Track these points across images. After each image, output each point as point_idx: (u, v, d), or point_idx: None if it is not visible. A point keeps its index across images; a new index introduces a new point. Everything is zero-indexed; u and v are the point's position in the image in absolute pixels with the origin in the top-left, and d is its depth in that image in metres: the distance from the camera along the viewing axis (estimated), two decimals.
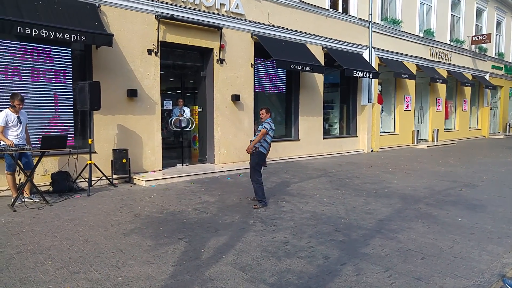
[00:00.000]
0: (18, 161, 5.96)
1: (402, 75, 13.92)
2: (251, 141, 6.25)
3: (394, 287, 3.39)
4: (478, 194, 7.14)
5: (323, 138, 12.27)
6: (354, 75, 11.66)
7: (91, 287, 3.31)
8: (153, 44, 8.24)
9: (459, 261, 3.98)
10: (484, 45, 20.13)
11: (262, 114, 6.18)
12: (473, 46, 19.51)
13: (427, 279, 3.54)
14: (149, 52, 8.19)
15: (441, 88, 17.35)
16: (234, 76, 9.72)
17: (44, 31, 6.22)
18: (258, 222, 5.21)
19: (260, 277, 3.56)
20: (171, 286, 3.36)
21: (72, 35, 6.49)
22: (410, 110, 15.68)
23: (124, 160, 7.56)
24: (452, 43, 17.93)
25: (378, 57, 13.80)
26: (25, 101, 6.12)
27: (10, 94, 6.07)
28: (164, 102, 9.03)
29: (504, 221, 5.43)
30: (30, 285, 3.34)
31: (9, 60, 6.79)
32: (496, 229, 5.06)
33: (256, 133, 6.20)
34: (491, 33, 19.42)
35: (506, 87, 23.52)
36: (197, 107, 9.84)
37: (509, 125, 23.94)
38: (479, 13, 20.19)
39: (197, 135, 9.94)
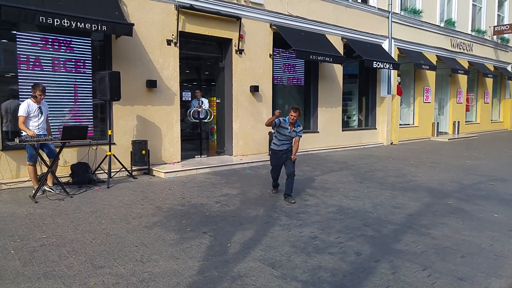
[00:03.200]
0: (40, 151, 5.85)
1: (422, 66, 13.46)
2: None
3: None
4: (510, 188, 6.78)
5: (342, 130, 11.96)
6: (374, 66, 11.27)
7: (117, 283, 3.15)
8: (173, 35, 8.03)
9: (502, 259, 3.70)
10: (506, 36, 19.33)
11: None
12: (495, 37, 18.74)
13: (471, 279, 3.28)
14: (169, 42, 7.99)
15: (462, 79, 16.75)
16: (252, 66, 9.46)
17: (66, 21, 6.07)
18: (283, 216, 5.01)
19: (291, 274, 3.35)
20: (199, 282, 3.17)
21: (93, 25, 6.33)
22: (429, 102, 15.19)
23: (143, 152, 7.42)
24: (473, 34, 17.24)
25: (398, 47, 13.34)
26: (46, 91, 6.00)
27: (31, 84, 5.96)
28: (183, 93, 8.83)
29: None
30: (54, 279, 3.20)
31: (30, 51, 6.67)
32: None
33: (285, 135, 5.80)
34: None
35: None
36: (215, 98, 9.63)
37: None
38: (501, 2, 19.37)
39: (215, 127, 9.74)
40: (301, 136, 5.79)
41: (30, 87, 5.92)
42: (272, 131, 5.95)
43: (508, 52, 20.05)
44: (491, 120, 19.96)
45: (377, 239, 4.20)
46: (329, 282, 3.18)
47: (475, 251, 3.90)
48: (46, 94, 6.16)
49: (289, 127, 5.63)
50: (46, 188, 6.01)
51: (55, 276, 3.25)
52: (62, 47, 6.98)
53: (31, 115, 5.75)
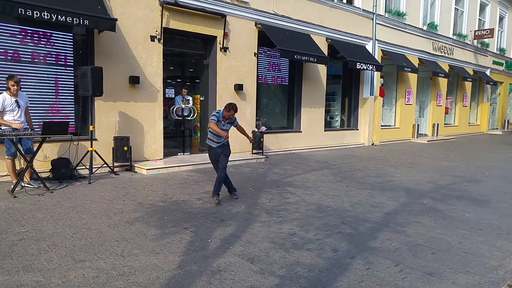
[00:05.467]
0: (19, 145, 5.83)
1: (405, 69, 13.83)
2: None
3: (406, 282, 3.33)
4: (482, 189, 7.12)
5: (325, 130, 12.21)
6: (357, 67, 11.56)
7: (97, 276, 3.24)
8: (156, 31, 8.07)
9: (470, 256, 3.92)
10: (486, 40, 20.04)
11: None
12: (475, 41, 19.40)
13: (439, 274, 3.48)
14: (152, 38, 8.03)
15: (443, 82, 17.29)
16: (237, 65, 9.58)
17: (46, 14, 6.05)
18: (263, 213, 5.16)
19: (269, 269, 3.49)
20: (178, 277, 3.29)
21: (74, 19, 6.32)
22: (411, 104, 15.63)
23: (125, 148, 7.45)
24: (455, 37, 17.81)
25: (381, 49, 13.69)
26: (23, 84, 5.96)
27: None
28: (166, 90, 8.88)
29: (511, 216, 5.42)
30: (34, 272, 3.26)
31: (8, 43, 6.61)
32: (503, 224, 5.05)
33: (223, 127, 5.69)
34: (493, 28, 19.29)
35: (506, 83, 23.49)
36: (199, 96, 9.71)
37: (508, 121, 23.96)
38: (482, 7, 20.04)
39: (199, 125, 9.82)
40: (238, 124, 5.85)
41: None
42: (206, 129, 5.81)
43: (487, 56, 20.78)
44: (469, 123, 20.69)
45: (354, 236, 4.37)
46: (306, 277, 3.32)
47: (445, 248, 4.11)
48: (26, 88, 6.12)
49: (222, 121, 5.59)
50: (25, 184, 5.98)
51: (34, 270, 3.31)
52: (42, 41, 6.93)
53: (6, 109, 5.70)
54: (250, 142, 6.14)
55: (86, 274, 3.26)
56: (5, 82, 5.90)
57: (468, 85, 19.47)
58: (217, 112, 5.63)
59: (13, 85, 5.67)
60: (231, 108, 5.52)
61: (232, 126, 5.81)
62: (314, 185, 6.96)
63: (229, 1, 9.22)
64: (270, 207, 5.47)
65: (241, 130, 5.95)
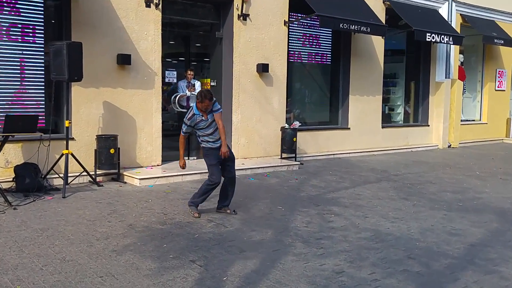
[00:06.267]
0: None
1: (495, 40, 13.61)
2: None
3: None
4: None
5: (382, 127, 12.15)
6: (427, 39, 11.44)
7: None
8: None
9: None
10: None
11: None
12: None
13: None
14: (148, 3, 8.14)
15: None
16: (261, 37, 9.61)
17: None
18: (298, 242, 5.13)
19: None
20: None
21: None
22: (504, 90, 15.33)
23: (112, 151, 7.57)
24: None
25: (461, 14, 13.53)
26: None
27: None
28: (166, 72, 9.00)
29: None
30: None
31: None
32: None
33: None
34: None
35: None
36: (209, 80, 9.80)
37: None
38: None
39: None
40: (220, 110, 5.98)
41: None
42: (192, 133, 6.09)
43: None
44: None
45: (425, 276, 4.29)
46: None
47: None
48: None
49: (203, 116, 5.79)
50: None
51: None
52: (5, 9, 7.12)
53: None
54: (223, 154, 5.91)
55: None
56: None
57: None
58: (188, 118, 5.84)
59: None
60: (203, 97, 5.71)
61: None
62: (369, 204, 6.92)
63: None
64: (307, 233, 5.44)
65: (218, 122, 5.88)
